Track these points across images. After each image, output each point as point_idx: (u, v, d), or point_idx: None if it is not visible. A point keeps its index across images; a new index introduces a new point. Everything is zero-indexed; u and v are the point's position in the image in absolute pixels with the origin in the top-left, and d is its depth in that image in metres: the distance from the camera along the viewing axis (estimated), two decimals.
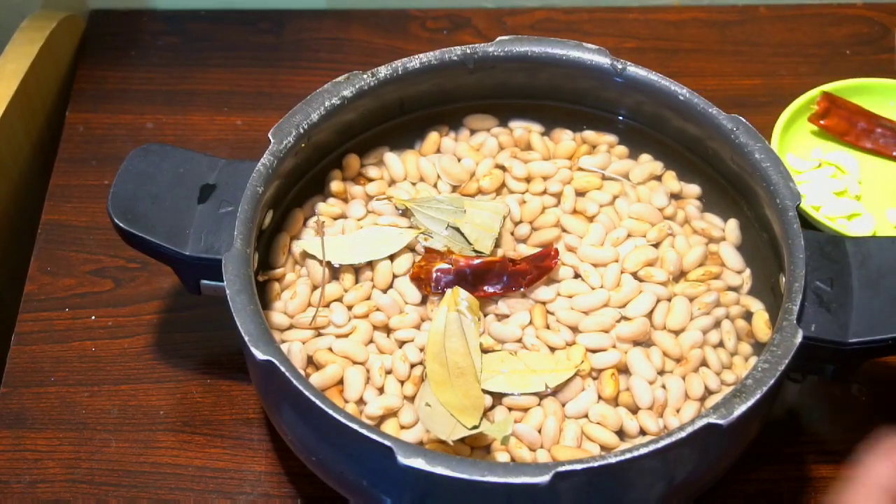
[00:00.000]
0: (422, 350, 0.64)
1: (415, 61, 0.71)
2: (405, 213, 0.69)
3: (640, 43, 0.94)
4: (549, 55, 0.72)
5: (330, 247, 0.68)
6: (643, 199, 0.71)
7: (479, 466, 0.54)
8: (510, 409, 0.63)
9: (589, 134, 0.75)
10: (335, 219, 0.70)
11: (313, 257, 0.68)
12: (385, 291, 0.67)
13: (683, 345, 0.65)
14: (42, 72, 0.87)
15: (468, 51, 0.71)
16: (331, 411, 0.55)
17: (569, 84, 0.74)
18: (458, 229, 0.68)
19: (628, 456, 0.54)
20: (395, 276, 0.67)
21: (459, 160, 0.73)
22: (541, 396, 0.63)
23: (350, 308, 0.66)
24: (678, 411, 0.63)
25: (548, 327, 0.65)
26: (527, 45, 0.72)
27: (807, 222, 0.78)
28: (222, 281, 0.60)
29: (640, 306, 0.66)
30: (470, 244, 0.68)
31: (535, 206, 0.70)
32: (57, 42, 0.89)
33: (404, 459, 0.53)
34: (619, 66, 0.71)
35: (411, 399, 0.63)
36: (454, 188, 0.72)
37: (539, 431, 0.61)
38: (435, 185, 0.72)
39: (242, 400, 0.73)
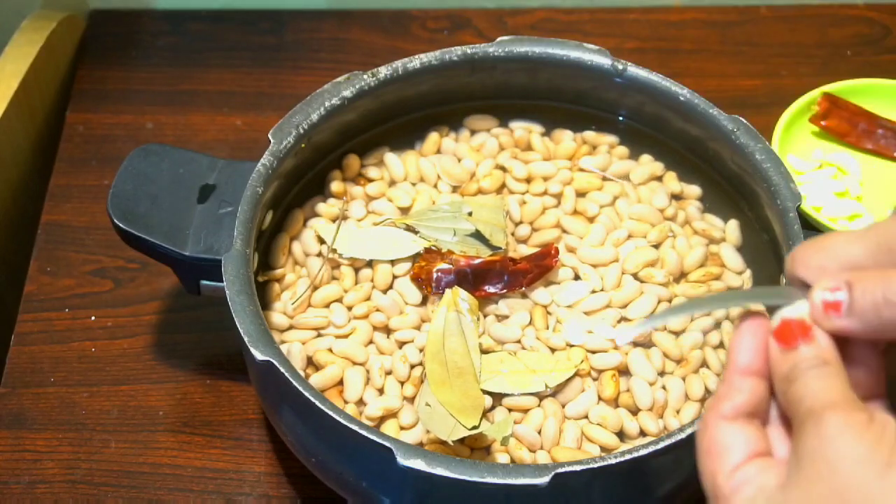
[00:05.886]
0: (422, 351, 0.64)
1: (415, 61, 0.71)
2: (409, 227, 0.69)
3: (640, 43, 0.94)
4: (550, 55, 0.71)
5: (342, 236, 0.68)
6: (644, 199, 0.71)
7: (479, 467, 0.53)
8: (510, 409, 0.62)
9: (589, 134, 0.75)
10: (333, 220, 0.70)
11: (317, 255, 0.68)
12: (385, 292, 0.67)
13: (684, 346, 0.65)
14: (42, 72, 0.86)
15: (468, 51, 0.71)
16: (330, 412, 0.55)
17: (569, 84, 0.73)
18: (474, 233, 0.68)
19: (628, 457, 0.54)
20: (395, 277, 0.67)
21: (460, 161, 0.73)
22: (541, 397, 0.63)
23: (350, 309, 0.66)
24: (678, 412, 0.63)
25: (548, 328, 0.65)
26: (527, 46, 0.72)
27: (808, 223, 0.78)
28: (222, 281, 0.60)
29: (641, 307, 0.66)
30: (486, 240, 0.67)
31: (535, 207, 0.70)
32: (57, 42, 0.89)
33: (404, 460, 0.53)
34: (620, 67, 0.71)
35: (411, 400, 0.63)
36: (454, 189, 0.72)
37: (539, 432, 0.61)
38: (435, 186, 0.72)
39: (242, 400, 0.72)
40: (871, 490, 0.37)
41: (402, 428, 0.62)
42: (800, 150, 0.85)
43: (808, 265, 0.43)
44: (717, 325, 0.66)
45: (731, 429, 0.43)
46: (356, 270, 0.68)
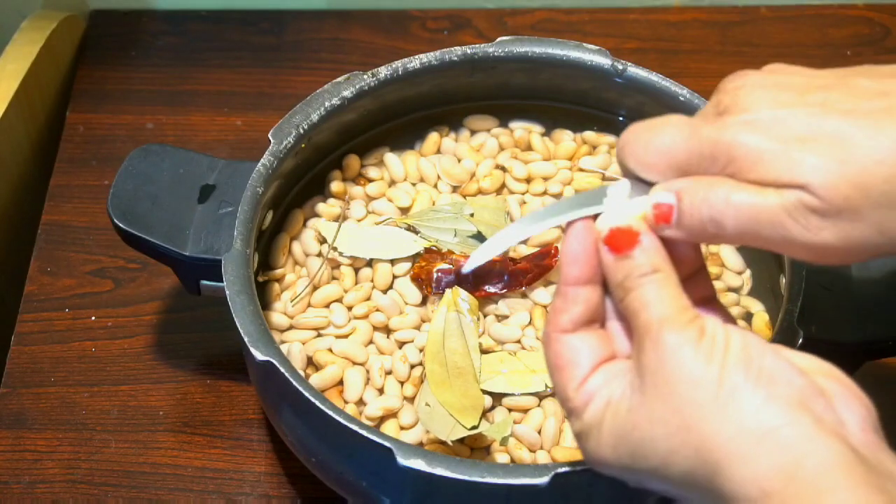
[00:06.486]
0: (422, 351, 0.64)
1: (415, 62, 0.71)
2: (410, 227, 0.69)
3: (640, 43, 0.94)
4: (550, 56, 0.72)
5: (343, 236, 0.68)
6: None
7: (479, 467, 0.54)
8: (510, 409, 0.63)
9: (589, 134, 0.75)
10: (334, 220, 0.70)
11: (317, 255, 0.68)
12: (385, 292, 0.67)
13: None
14: (42, 72, 0.87)
15: (468, 51, 0.71)
16: (330, 412, 0.55)
17: (569, 84, 0.74)
18: (475, 234, 0.68)
19: None
20: (395, 277, 0.67)
21: (460, 161, 0.73)
22: (541, 397, 0.63)
23: (350, 309, 0.66)
24: None
25: None
26: (527, 46, 0.72)
27: None
28: (222, 281, 0.60)
29: None
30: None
31: (535, 207, 0.70)
32: (57, 42, 0.89)
33: (404, 460, 0.53)
34: (620, 67, 0.71)
35: (411, 400, 0.63)
36: (454, 189, 0.72)
37: (539, 432, 0.61)
38: (435, 186, 0.72)
39: (242, 400, 0.73)
40: (707, 410, 0.39)
41: (402, 428, 0.62)
42: None
43: (637, 159, 0.46)
44: None
45: (574, 340, 0.44)
46: (356, 270, 0.68)
